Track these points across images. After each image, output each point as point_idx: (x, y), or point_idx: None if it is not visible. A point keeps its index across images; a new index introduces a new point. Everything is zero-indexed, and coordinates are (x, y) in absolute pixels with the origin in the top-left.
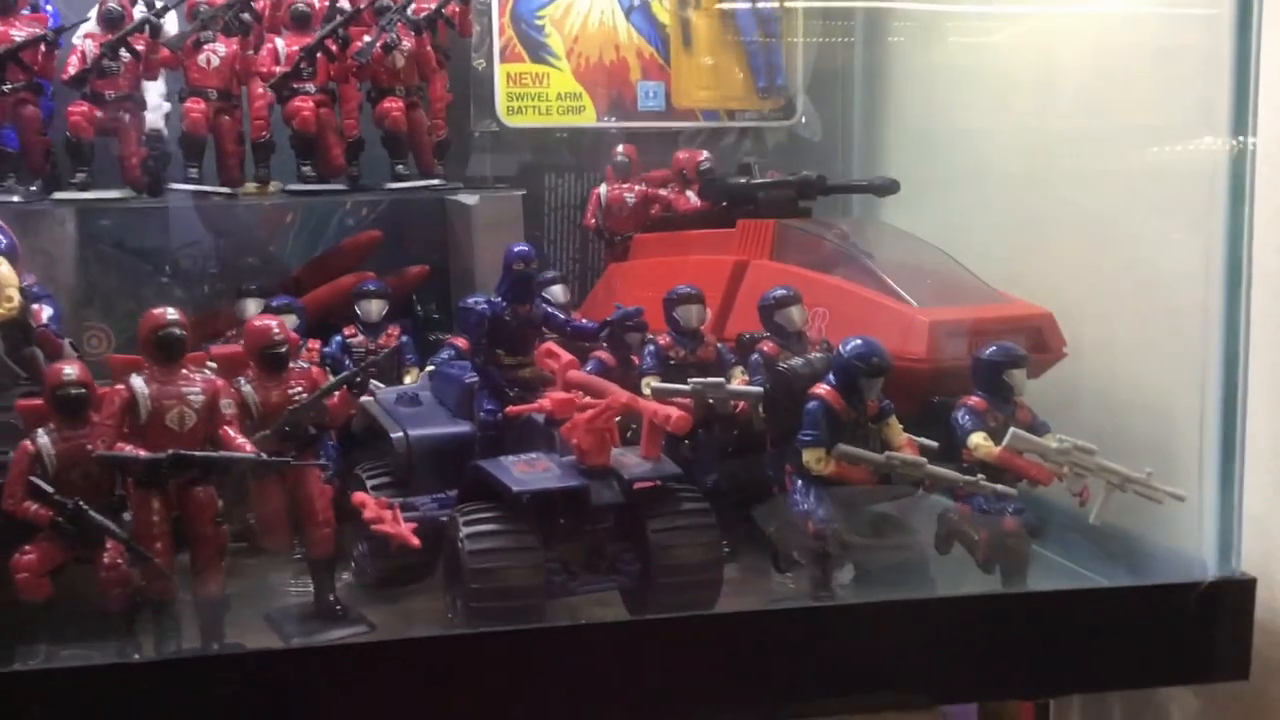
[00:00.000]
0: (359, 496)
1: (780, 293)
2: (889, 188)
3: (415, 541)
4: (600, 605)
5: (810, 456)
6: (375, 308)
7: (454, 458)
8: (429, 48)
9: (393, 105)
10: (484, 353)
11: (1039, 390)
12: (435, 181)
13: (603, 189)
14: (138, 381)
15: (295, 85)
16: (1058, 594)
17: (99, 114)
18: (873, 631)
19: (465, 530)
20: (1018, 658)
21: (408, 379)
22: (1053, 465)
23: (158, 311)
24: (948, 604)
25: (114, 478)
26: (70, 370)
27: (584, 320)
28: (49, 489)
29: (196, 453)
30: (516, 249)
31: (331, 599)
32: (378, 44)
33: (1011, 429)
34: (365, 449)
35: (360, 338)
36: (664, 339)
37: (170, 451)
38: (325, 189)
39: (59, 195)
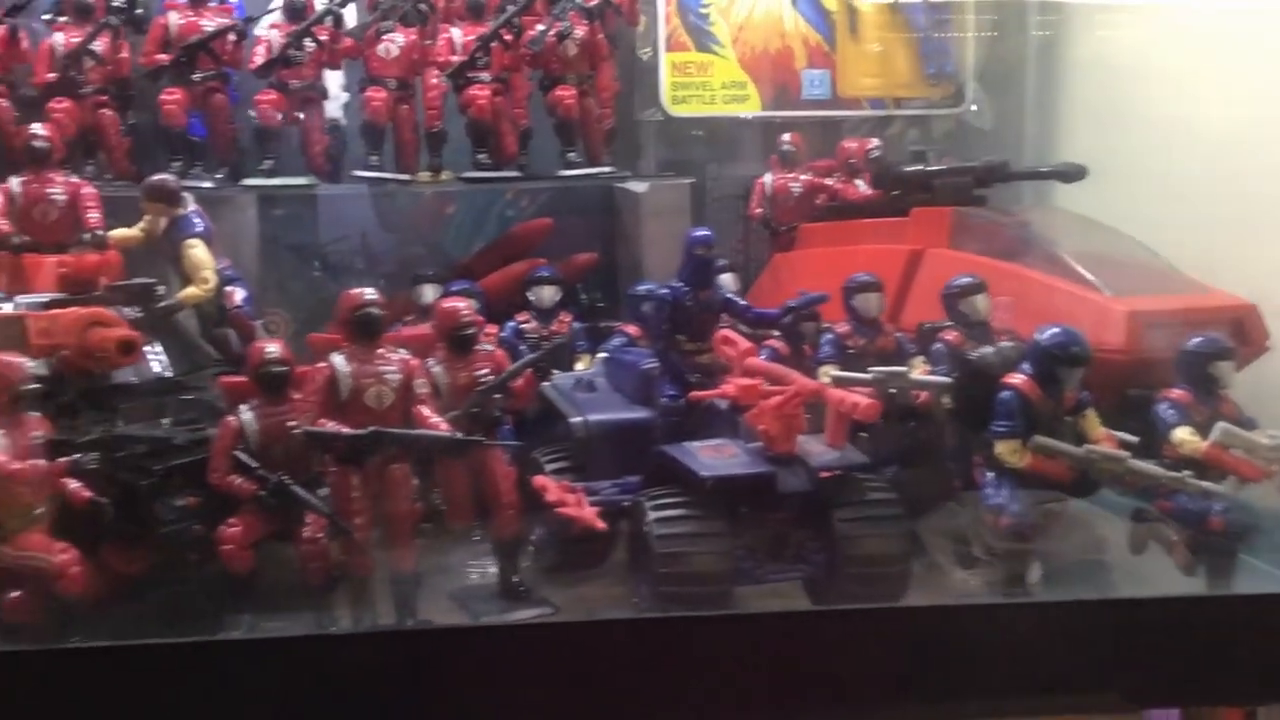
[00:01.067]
0: (540, 480)
1: (965, 281)
2: (1076, 174)
3: (601, 525)
4: (769, 596)
5: (1004, 449)
6: (548, 294)
7: (632, 443)
8: (600, 36)
9: (566, 93)
10: (664, 339)
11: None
12: (606, 169)
13: (768, 178)
14: (339, 360)
15: (471, 74)
16: (1269, 597)
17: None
18: (1069, 631)
19: (653, 515)
20: (1224, 663)
21: (579, 365)
22: (1262, 462)
23: (356, 291)
24: (1149, 605)
25: (313, 454)
26: (273, 349)
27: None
28: (253, 464)
29: (398, 430)
30: (698, 234)
31: (516, 580)
32: (551, 32)
33: (1220, 424)
34: (538, 433)
35: (533, 324)
36: (842, 327)
37: (372, 429)
38: (500, 176)
39: (248, 182)
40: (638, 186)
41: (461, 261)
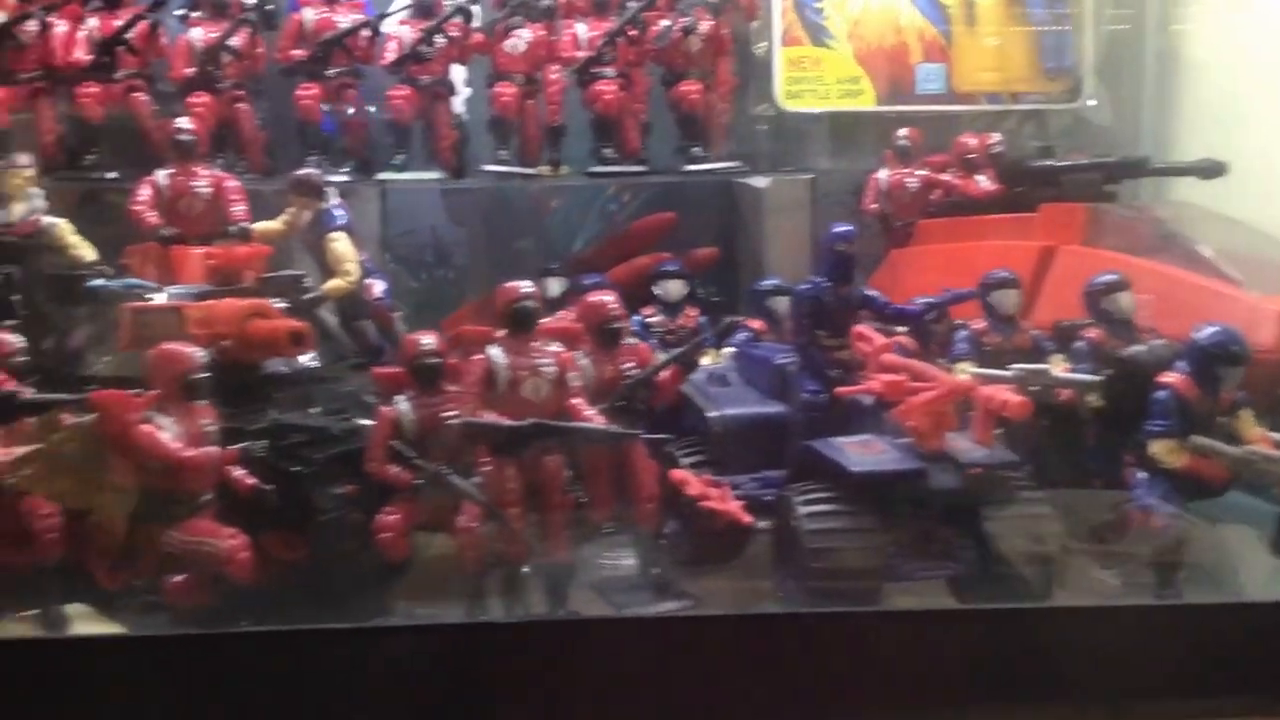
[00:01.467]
0: (679, 474)
1: (1109, 278)
2: (1215, 170)
3: (748, 519)
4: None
5: (1161, 448)
6: (675, 288)
7: (767, 438)
8: (724, 31)
9: (691, 88)
10: (805, 334)
11: None
12: (730, 164)
13: (882, 174)
14: (496, 352)
15: (595, 69)
16: None
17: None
18: (1228, 632)
19: (803, 510)
20: None
21: (704, 360)
22: None
23: (513, 284)
24: None
25: (468, 444)
26: (428, 340)
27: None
28: (411, 454)
29: (558, 422)
30: (839, 230)
31: (656, 572)
32: (677, 27)
33: None
34: (668, 427)
35: (659, 318)
36: (978, 324)
37: (532, 420)
38: (624, 171)
39: (382, 175)
40: (760, 182)
41: (581, 255)
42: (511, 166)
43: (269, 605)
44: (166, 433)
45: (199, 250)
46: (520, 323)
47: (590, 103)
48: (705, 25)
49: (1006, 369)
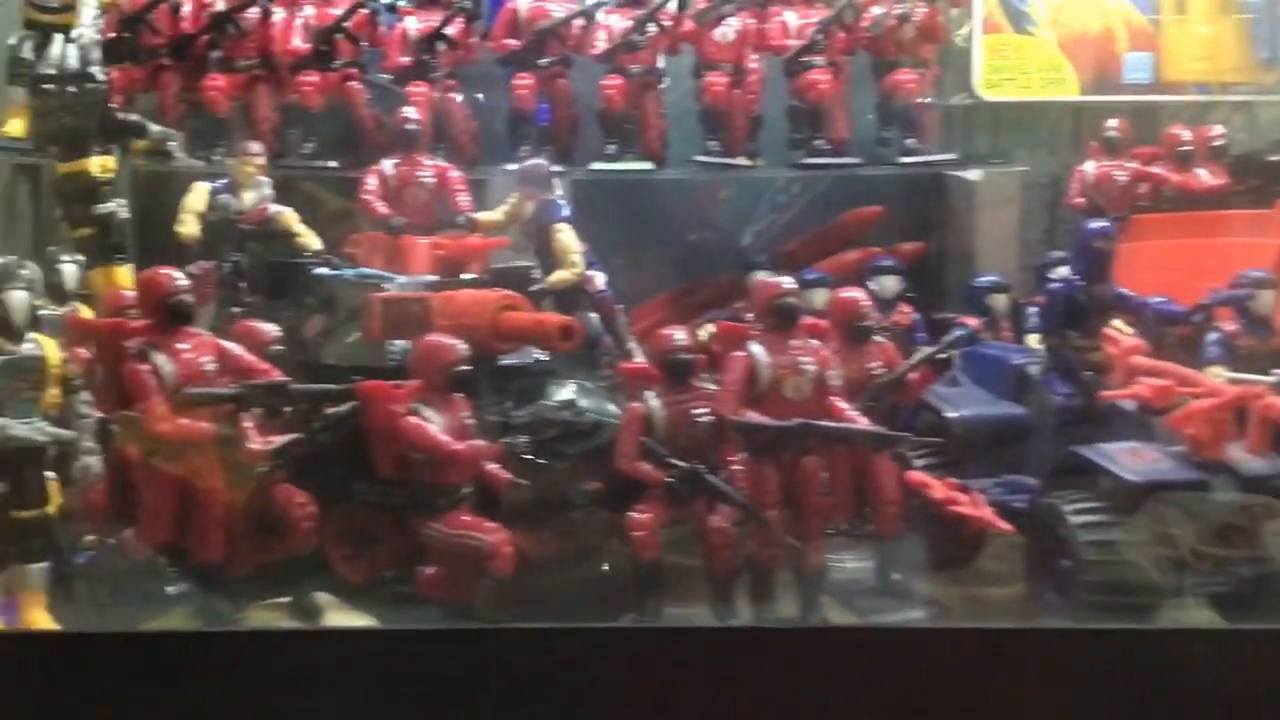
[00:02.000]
0: (919, 477)
1: None
2: None
3: (1006, 526)
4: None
5: None
6: (891, 284)
7: (1008, 441)
8: (939, 19)
9: (908, 78)
10: (1056, 334)
11: None
12: (948, 156)
13: (1089, 166)
14: (758, 349)
15: (806, 58)
16: None
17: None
18: None
19: (1076, 520)
20: None
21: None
22: None
23: (774, 280)
24: None
25: (717, 442)
26: (681, 336)
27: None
28: (663, 451)
29: (825, 423)
30: (1096, 226)
31: (896, 577)
32: (893, 14)
33: None
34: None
35: (873, 314)
36: (1230, 326)
37: (799, 420)
38: (839, 163)
39: (594, 166)
40: (972, 175)
41: (787, 248)
42: (721, 158)
43: (516, 601)
44: (434, 425)
45: (426, 240)
46: (782, 319)
47: (803, 92)
48: (920, 12)
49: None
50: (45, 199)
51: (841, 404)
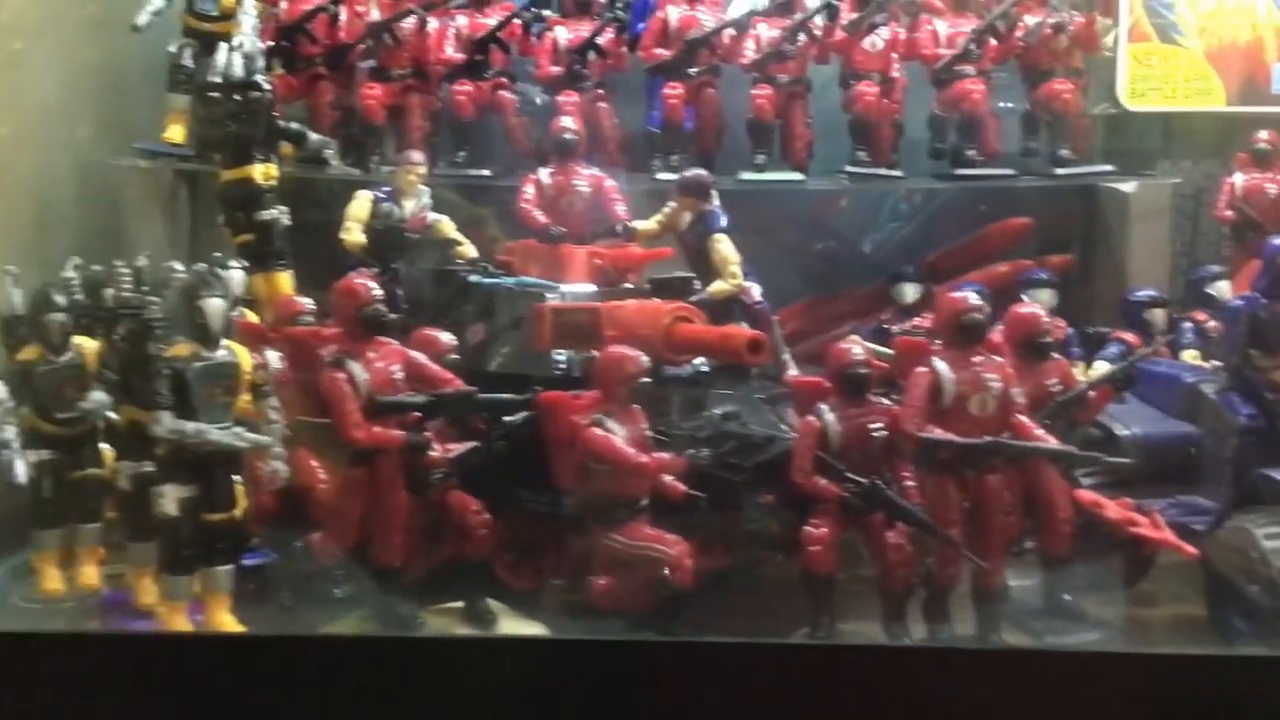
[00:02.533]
0: (1090, 496)
1: None
2: None
3: (1191, 550)
4: None
5: None
6: (1046, 297)
7: (1181, 460)
8: (1094, 27)
9: (1064, 87)
10: (1239, 353)
11: None
12: (1105, 167)
13: (1238, 178)
14: (942, 365)
15: (958, 68)
16: None
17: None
18: None
19: (1271, 545)
20: None
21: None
22: None
23: (960, 295)
24: None
25: (892, 458)
26: (857, 350)
27: None
28: (840, 466)
29: (1017, 442)
30: None
31: (1067, 598)
32: (1048, 23)
33: None
34: None
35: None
36: None
37: (989, 438)
38: (992, 174)
39: (743, 176)
40: (1126, 186)
41: (931, 259)
42: (872, 168)
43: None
44: (618, 437)
45: (583, 249)
46: (968, 335)
47: (956, 102)
48: (1077, 21)
49: None
50: (201, 205)
51: (1028, 422)
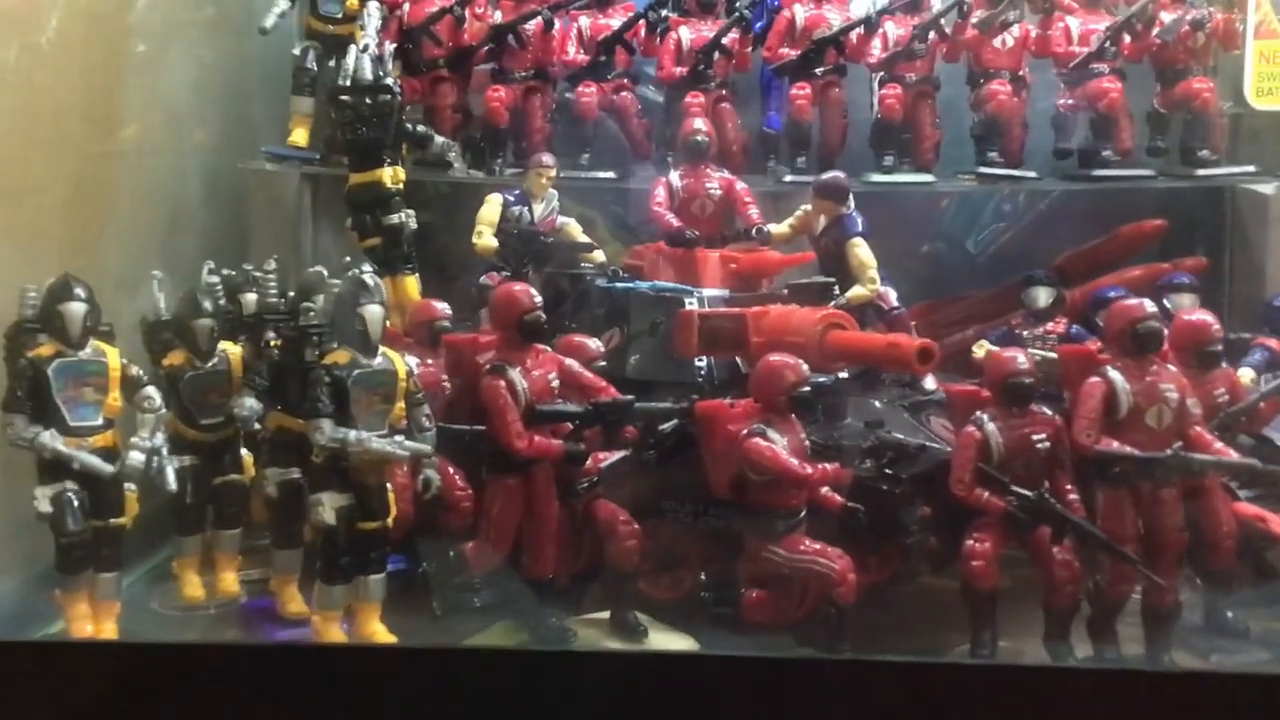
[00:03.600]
0: (1252, 509)
1: None
2: None
3: None
4: None
5: None
6: (1188, 302)
7: None
8: (1235, 26)
9: (1203, 86)
10: None
11: None
12: (1247, 168)
13: None
14: (1117, 376)
15: (1095, 67)
16: None
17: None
18: None
19: None
20: None
21: None
22: None
23: (1134, 302)
24: None
25: (1055, 470)
26: (1022, 360)
27: None
28: (1004, 478)
29: (1200, 455)
30: None
31: (1230, 615)
32: (1187, 20)
33: None
34: None
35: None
36: None
37: (1173, 451)
38: (1125, 175)
39: (872, 178)
40: (1265, 187)
41: (1059, 261)
42: (1004, 169)
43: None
44: (780, 446)
45: (716, 253)
46: (1143, 344)
47: (1093, 100)
48: (1217, 18)
49: None
50: (324, 209)
51: (1206, 434)
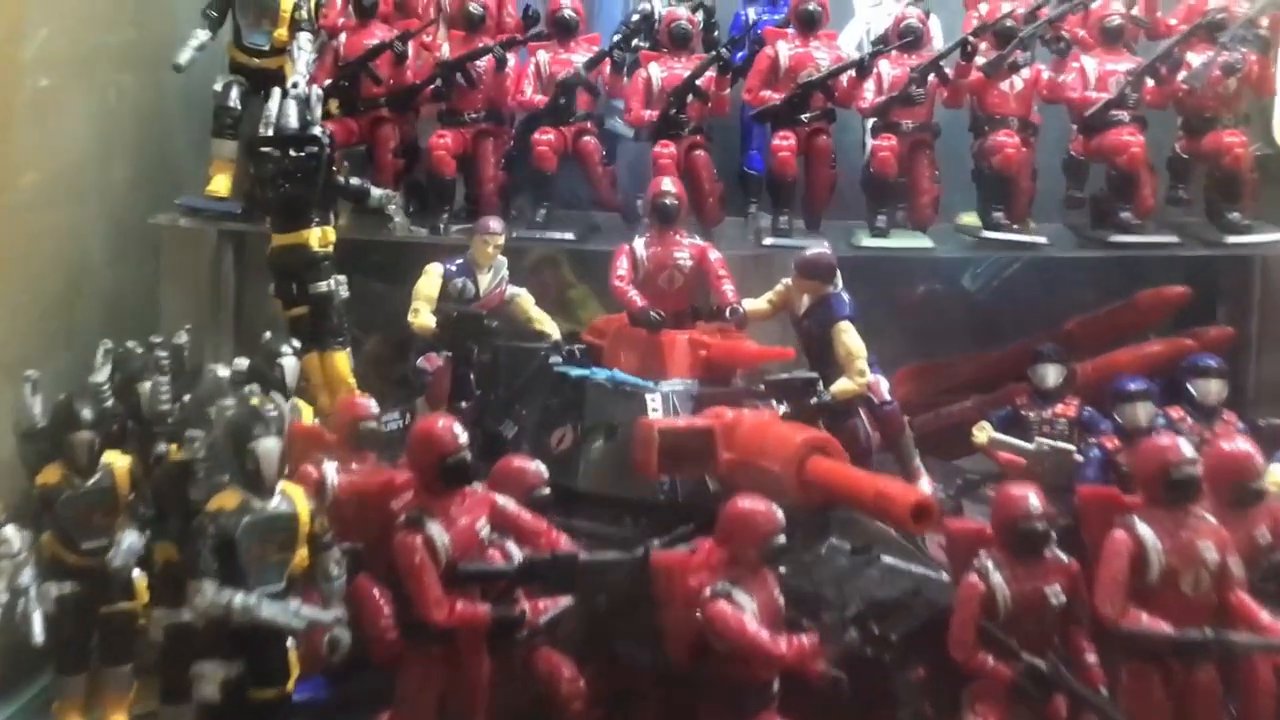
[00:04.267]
0: None
1: None
2: None
3: None
4: None
5: None
6: (1215, 389)
7: None
8: (1271, 70)
9: (1235, 139)
10: None
11: None
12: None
13: None
14: (1147, 531)
15: (1114, 115)
16: None
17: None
18: None
19: None
20: None
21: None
22: None
23: (1167, 442)
24: None
25: (1071, 625)
26: (1034, 501)
27: None
28: (1010, 641)
29: (1243, 639)
30: None
31: None
32: (1216, 65)
33: None
34: None
35: (1188, 423)
36: None
37: (1211, 633)
38: (1149, 242)
39: (865, 243)
40: None
41: (1065, 328)
42: (1010, 231)
43: None
44: (748, 613)
45: (684, 335)
46: (1178, 494)
47: (1110, 154)
48: (1250, 62)
49: None
50: (249, 270)
51: (1251, 603)
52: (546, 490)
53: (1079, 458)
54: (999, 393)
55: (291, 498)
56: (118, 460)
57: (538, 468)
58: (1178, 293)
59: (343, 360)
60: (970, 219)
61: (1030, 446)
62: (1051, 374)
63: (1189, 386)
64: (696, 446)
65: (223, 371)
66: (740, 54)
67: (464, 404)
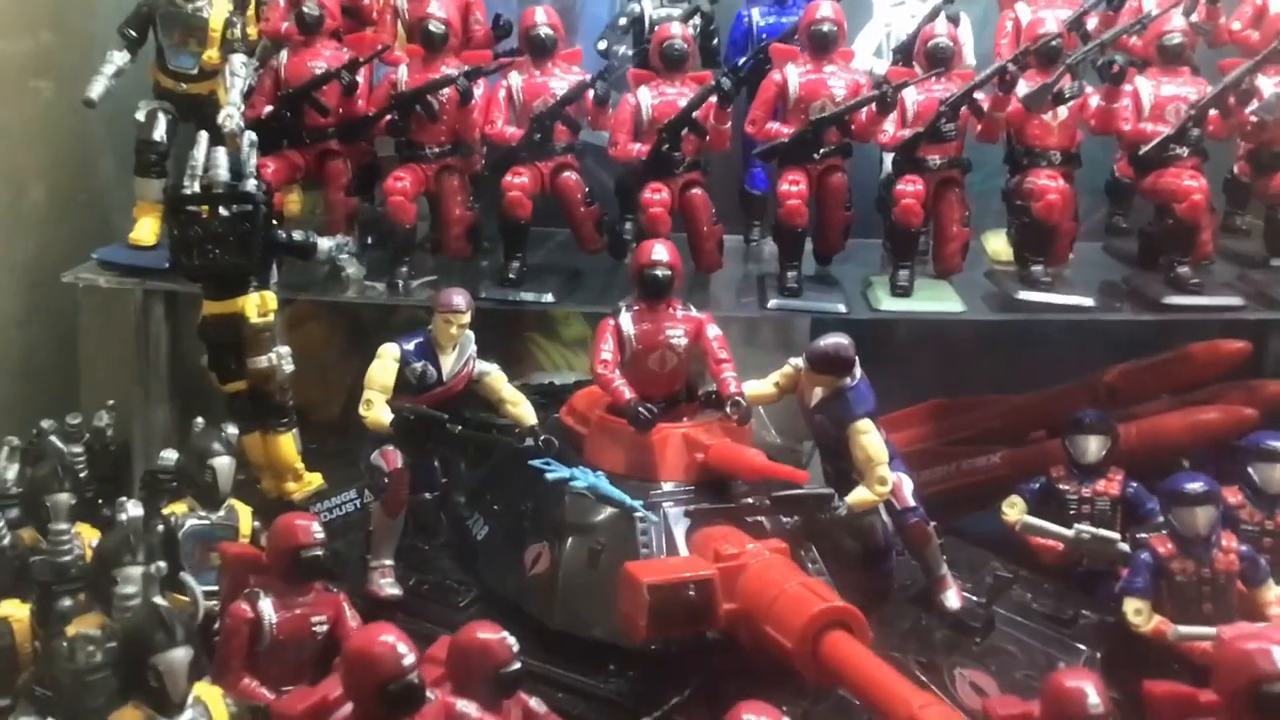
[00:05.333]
0: None
1: None
2: None
3: None
4: None
5: None
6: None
7: None
8: None
9: None
10: None
11: None
12: None
13: None
14: None
15: (1172, 149)
16: None
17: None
18: None
19: None
20: None
21: None
22: None
23: (1251, 650)
24: None
25: None
26: (1094, 697)
27: None
28: None
29: None
30: None
31: None
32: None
33: None
34: None
35: (1250, 509)
36: None
37: None
38: (1207, 305)
39: (887, 307)
40: None
41: (1105, 379)
42: (1055, 292)
43: None
44: None
45: (680, 430)
46: (1271, 710)
47: (1169, 199)
48: None
49: None
50: (183, 330)
51: None
52: (517, 665)
53: (1123, 547)
54: (1030, 448)
55: (210, 713)
56: (17, 612)
57: (504, 641)
58: (1237, 348)
59: (288, 444)
60: (998, 245)
61: (1069, 534)
62: (1093, 447)
63: (1250, 470)
64: (694, 601)
65: (134, 510)
66: (744, 60)
67: (427, 496)
